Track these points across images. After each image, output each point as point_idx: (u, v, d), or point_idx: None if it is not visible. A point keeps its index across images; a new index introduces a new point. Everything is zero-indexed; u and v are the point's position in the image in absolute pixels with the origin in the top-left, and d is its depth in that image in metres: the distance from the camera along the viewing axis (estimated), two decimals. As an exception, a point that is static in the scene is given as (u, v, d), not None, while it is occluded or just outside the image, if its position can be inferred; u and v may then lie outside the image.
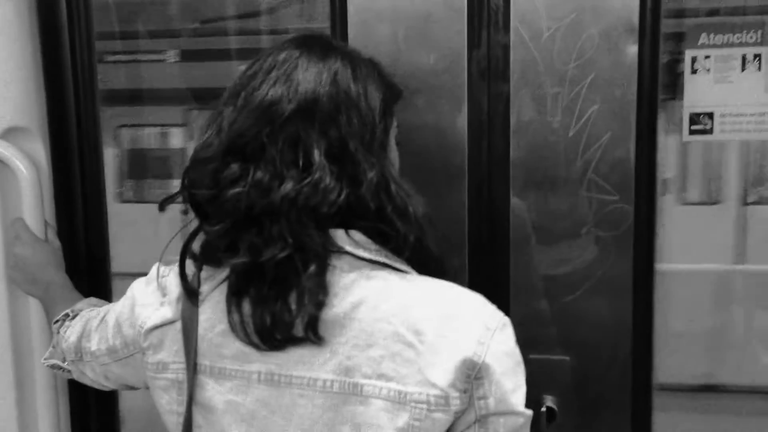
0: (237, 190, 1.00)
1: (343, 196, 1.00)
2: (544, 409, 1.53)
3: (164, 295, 1.15)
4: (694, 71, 1.45)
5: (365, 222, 1.04)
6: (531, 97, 1.50)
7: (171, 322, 1.12)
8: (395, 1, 1.52)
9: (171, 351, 1.12)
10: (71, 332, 1.36)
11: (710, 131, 1.45)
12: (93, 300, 1.49)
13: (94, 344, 1.29)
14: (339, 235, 1.04)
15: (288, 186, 0.99)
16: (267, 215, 1.00)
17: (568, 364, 1.54)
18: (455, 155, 1.53)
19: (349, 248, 1.04)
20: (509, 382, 1.01)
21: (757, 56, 1.41)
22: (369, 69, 1.10)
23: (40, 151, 1.66)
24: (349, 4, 1.54)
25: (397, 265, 1.06)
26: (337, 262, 1.04)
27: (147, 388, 1.20)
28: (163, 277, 1.17)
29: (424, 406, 0.98)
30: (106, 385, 1.34)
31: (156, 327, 1.14)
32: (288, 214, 0.99)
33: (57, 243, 1.65)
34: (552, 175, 1.51)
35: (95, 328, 1.30)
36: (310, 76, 1.04)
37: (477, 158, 1.53)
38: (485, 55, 1.52)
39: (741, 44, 1.42)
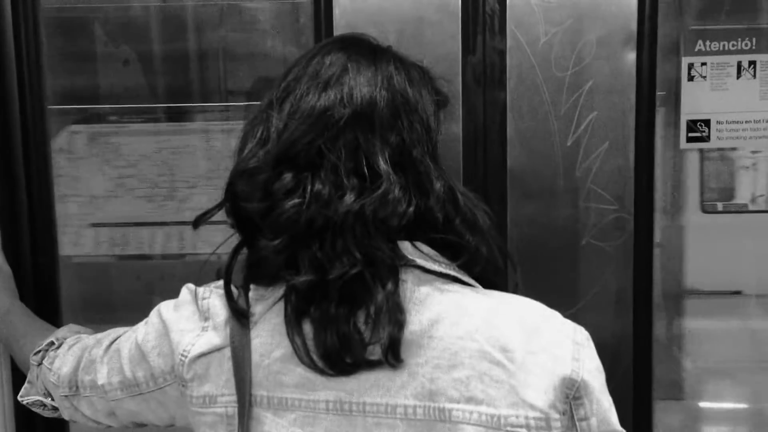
0: (295, 201, 0.91)
1: (413, 207, 0.92)
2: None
3: (206, 319, 1.02)
4: (690, 78, 1.44)
5: (433, 234, 0.96)
6: (528, 104, 1.45)
7: (219, 349, 0.99)
8: (384, 4, 1.44)
9: (218, 382, 0.99)
10: (62, 363, 1.19)
11: (707, 138, 1.44)
12: (74, 327, 1.30)
13: (101, 377, 1.12)
14: (406, 247, 0.95)
15: (351, 197, 0.91)
16: (329, 229, 0.91)
17: (568, 378, 1.50)
18: (450, 165, 1.45)
19: (419, 261, 0.95)
20: (605, 399, 0.94)
21: (752, 63, 1.42)
22: (419, 73, 1.02)
23: (-15, 165, 1.48)
24: (335, 6, 1.45)
25: (466, 279, 0.98)
26: (407, 276, 0.95)
27: (170, 425, 1.06)
28: (204, 299, 1.03)
29: (524, 430, 0.90)
30: (106, 423, 1.17)
31: (202, 355, 1.00)
32: (354, 228, 0.91)
33: (6, 268, 1.47)
34: (550, 185, 1.46)
35: (100, 359, 1.13)
36: (363, 80, 0.95)
37: (473, 167, 1.47)
38: (480, 61, 1.46)
39: (736, 51, 1.42)
